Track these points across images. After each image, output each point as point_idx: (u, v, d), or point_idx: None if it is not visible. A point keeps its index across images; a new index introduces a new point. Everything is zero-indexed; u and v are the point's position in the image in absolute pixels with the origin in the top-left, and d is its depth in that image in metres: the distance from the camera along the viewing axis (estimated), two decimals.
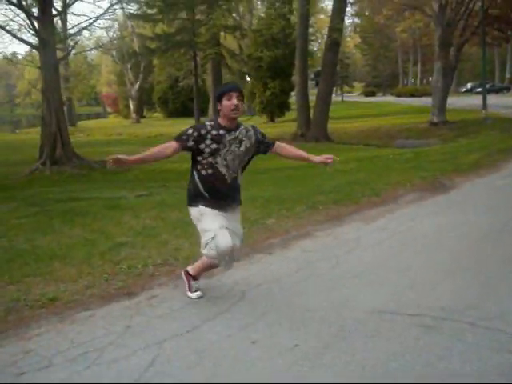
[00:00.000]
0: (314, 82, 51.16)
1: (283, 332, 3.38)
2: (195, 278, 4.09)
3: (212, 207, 3.80)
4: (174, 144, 3.74)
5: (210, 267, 4.04)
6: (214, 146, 3.73)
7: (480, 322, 3.38)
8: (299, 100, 21.14)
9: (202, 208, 3.80)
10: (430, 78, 73.67)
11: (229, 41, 40.92)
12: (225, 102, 3.72)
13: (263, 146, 4.01)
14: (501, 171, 10.05)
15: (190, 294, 4.05)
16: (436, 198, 7.68)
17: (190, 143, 3.72)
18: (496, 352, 2.99)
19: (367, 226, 6.10)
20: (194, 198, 3.86)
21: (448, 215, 6.49)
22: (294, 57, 24.64)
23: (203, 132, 3.73)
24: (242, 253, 4.17)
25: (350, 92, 73.52)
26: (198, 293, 4.04)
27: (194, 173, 3.86)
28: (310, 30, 45.03)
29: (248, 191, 8.70)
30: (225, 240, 3.64)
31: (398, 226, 6.05)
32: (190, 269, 4.12)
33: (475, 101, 31.33)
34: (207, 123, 3.82)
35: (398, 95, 59.47)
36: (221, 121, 3.80)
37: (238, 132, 3.82)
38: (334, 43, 18.27)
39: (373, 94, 70.53)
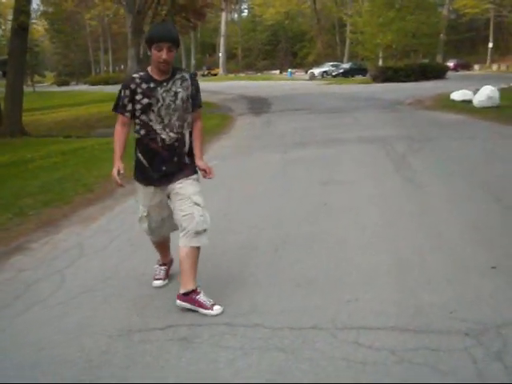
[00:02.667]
0: (0, 71, 46.46)
1: None
2: (164, 264, 3.86)
3: (145, 182, 3.39)
4: (121, 118, 3.34)
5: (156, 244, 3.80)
6: (146, 100, 3.24)
7: (236, 319, 3.14)
8: None
9: (136, 184, 3.49)
10: (122, 66, 74.42)
11: None
12: (154, 52, 3.15)
13: (192, 102, 3.39)
14: (208, 153, 10.34)
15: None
16: None
17: (128, 106, 3.29)
18: (264, 351, 2.77)
19: (87, 229, 5.43)
20: (136, 170, 3.44)
21: None
22: None
23: (133, 87, 3.25)
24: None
25: (40, 82, 69.08)
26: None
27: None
28: None
29: None
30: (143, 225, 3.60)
31: (120, 224, 5.52)
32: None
33: None
34: (136, 75, 3.31)
35: (93, 83, 58.23)
36: (152, 71, 3.27)
37: (171, 83, 3.28)
38: (22, 28, 16.46)
39: (66, 83, 67.64)
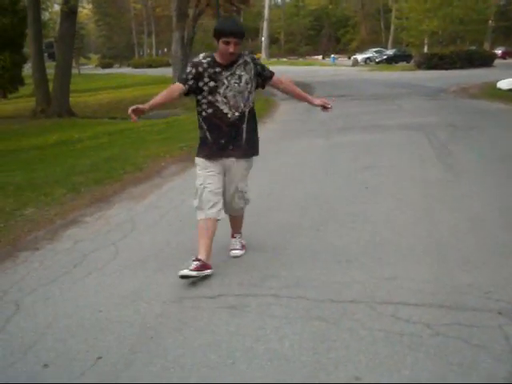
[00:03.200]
0: (46, 53, 47.52)
1: (77, 345, 2.87)
2: (198, 259, 3.63)
3: (208, 157, 3.70)
4: (179, 85, 3.59)
5: (203, 229, 3.74)
6: (212, 83, 3.57)
7: (281, 291, 3.34)
8: (36, 73, 19.19)
9: (197, 160, 3.76)
10: (166, 49, 75.16)
11: None
12: (221, 45, 3.49)
13: (261, 78, 3.79)
14: None
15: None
16: None
17: (190, 81, 3.57)
18: (307, 320, 2.97)
19: (138, 205, 5.73)
20: (199, 147, 3.78)
21: None
22: (25, 26, 22.33)
23: (200, 70, 3.56)
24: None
25: (85, 64, 70.44)
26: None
27: (198, 116, 3.73)
28: None
29: None
30: (195, 200, 3.75)
31: (169, 202, 5.80)
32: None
33: None
34: (203, 60, 3.59)
35: (136, 66, 59.16)
36: (217, 57, 3.59)
37: (235, 67, 3.61)
38: (71, 11, 16.94)
39: (110, 66, 68.83)
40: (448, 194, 5.45)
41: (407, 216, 4.81)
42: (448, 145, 8.14)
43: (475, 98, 16.29)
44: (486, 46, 48.91)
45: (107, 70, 60.65)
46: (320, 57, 64.76)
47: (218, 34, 3.48)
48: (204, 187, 3.68)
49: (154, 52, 72.16)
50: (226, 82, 3.58)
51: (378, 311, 3.04)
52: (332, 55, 55.85)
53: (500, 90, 17.37)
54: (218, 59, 3.59)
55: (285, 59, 63.07)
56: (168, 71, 28.28)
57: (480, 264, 3.65)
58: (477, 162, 6.90)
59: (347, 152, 8.01)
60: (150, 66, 55.74)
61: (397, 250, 3.98)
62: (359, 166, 6.92)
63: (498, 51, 46.21)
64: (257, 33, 76.46)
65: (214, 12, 22.54)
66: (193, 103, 3.89)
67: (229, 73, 3.59)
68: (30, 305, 3.39)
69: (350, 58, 53.46)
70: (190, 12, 21.70)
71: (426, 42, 42.58)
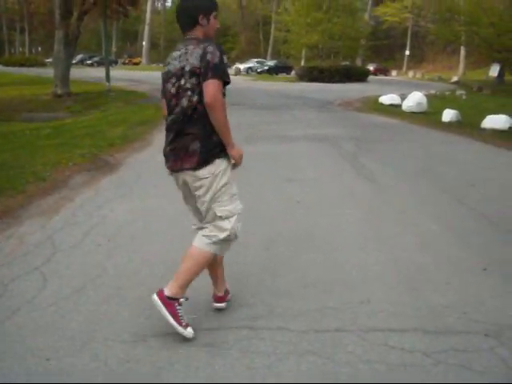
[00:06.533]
0: None
1: None
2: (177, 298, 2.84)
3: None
4: (221, 88, 2.74)
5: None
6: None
7: (257, 323, 3.02)
8: None
9: (225, 161, 2.92)
10: (40, 48, 70.83)
11: None
12: (213, 21, 2.87)
13: None
14: (152, 144, 9.99)
15: (183, 331, 2.80)
16: (109, 177, 7.01)
17: None
18: (298, 356, 2.67)
19: (53, 221, 5.06)
20: (218, 148, 2.85)
21: (133, 199, 5.95)
22: None
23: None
24: None
25: None
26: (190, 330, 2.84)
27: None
28: None
29: None
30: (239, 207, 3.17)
31: (88, 217, 5.20)
32: (174, 287, 2.84)
33: (93, 73, 31.17)
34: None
35: (6, 64, 55.01)
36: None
37: None
38: None
39: None
40: (384, 208, 5.44)
41: (354, 233, 4.68)
42: (358, 157, 8.27)
43: (361, 111, 17.01)
44: (358, 61, 51.82)
45: None
46: None
47: (212, 8, 2.83)
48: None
49: (26, 50, 67.67)
50: None
51: (368, 341, 2.83)
52: None
53: (382, 104, 18.32)
54: None
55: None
56: (43, 71, 26.51)
57: (443, 284, 3.59)
58: (394, 176, 7.02)
59: (264, 164, 7.81)
60: (22, 65, 52.03)
61: (359, 271, 3.82)
62: (281, 179, 6.75)
63: (371, 67, 49.11)
64: (136, 37, 74.80)
65: (100, 12, 21.51)
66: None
67: None
68: None
69: (230, 67, 53.90)
70: (76, 10, 20.43)
71: (303, 55, 44.17)
